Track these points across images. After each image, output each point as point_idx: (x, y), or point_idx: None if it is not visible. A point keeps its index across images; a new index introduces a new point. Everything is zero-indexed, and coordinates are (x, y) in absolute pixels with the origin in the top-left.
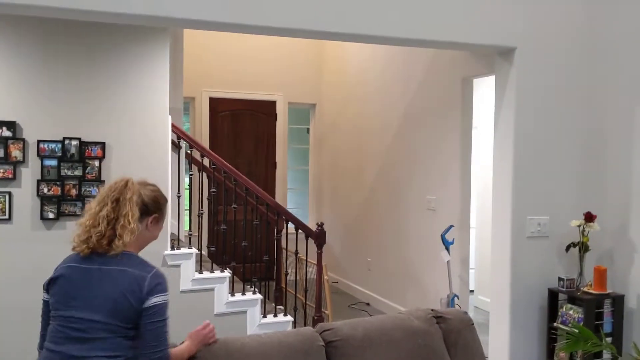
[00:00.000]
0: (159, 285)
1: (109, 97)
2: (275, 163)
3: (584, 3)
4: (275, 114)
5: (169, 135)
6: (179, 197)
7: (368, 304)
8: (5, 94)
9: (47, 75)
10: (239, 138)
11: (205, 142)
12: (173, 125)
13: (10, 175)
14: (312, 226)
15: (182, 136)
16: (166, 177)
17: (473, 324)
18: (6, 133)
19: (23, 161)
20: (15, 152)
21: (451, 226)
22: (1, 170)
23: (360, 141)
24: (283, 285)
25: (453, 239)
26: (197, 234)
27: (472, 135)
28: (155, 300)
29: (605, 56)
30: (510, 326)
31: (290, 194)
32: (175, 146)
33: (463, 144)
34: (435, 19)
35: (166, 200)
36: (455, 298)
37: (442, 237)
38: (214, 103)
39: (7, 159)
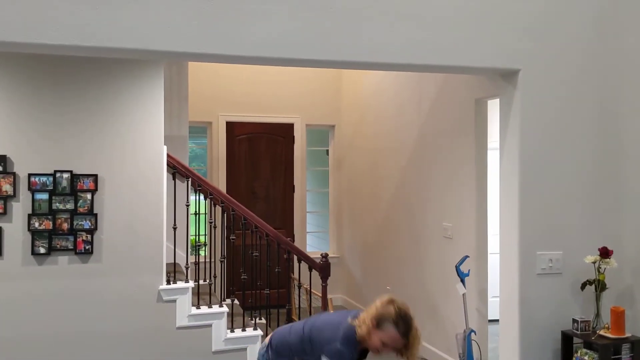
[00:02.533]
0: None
1: (101, 129)
2: (293, 186)
3: (591, 22)
4: (293, 137)
5: (164, 166)
6: (174, 228)
7: None
8: None
9: (37, 108)
10: (257, 161)
11: (222, 166)
12: (169, 156)
13: (0, 210)
14: (334, 250)
15: (177, 166)
16: (161, 207)
17: None
18: None
19: (14, 195)
20: (6, 187)
21: (466, 256)
22: None
23: (377, 163)
24: (294, 317)
25: (469, 270)
26: (197, 264)
27: (490, 159)
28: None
29: (615, 77)
30: None
31: (310, 217)
32: (181, 175)
33: (478, 169)
34: (435, 43)
35: (391, 324)
36: (472, 333)
37: (457, 268)
38: (231, 127)
39: None
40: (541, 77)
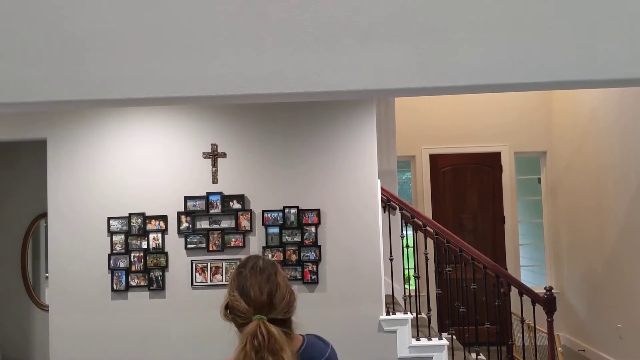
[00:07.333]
0: None
1: (322, 167)
2: (503, 217)
3: None
4: (501, 166)
5: (379, 199)
6: (391, 260)
7: None
8: (236, 171)
9: (268, 151)
10: (462, 193)
11: (427, 198)
12: (382, 189)
13: (240, 244)
14: (552, 285)
15: (391, 199)
16: (377, 239)
17: None
18: (236, 205)
19: (251, 230)
20: (244, 222)
21: None
22: (233, 240)
23: (600, 187)
24: (515, 355)
25: None
26: (415, 296)
27: None
28: None
29: None
30: None
31: (523, 250)
32: (392, 208)
33: None
34: None
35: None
36: None
37: None
38: (434, 159)
39: (237, 229)
40: None
